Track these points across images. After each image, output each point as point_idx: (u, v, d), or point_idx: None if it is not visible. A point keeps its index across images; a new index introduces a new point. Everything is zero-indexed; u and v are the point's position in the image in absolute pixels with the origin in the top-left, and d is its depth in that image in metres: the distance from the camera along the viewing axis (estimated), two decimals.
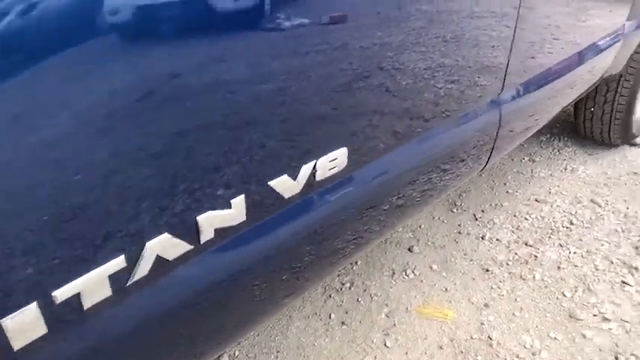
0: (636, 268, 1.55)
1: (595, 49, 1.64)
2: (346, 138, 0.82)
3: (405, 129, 0.96)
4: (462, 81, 1.06)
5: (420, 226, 1.82)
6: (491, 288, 1.51)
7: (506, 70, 1.20)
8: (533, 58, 1.34)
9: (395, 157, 0.95)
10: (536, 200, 1.94)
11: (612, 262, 1.58)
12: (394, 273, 1.59)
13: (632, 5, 1.75)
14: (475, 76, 1.11)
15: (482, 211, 1.89)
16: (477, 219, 1.85)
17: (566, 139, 2.44)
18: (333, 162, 0.81)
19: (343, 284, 1.56)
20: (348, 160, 0.83)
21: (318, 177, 0.79)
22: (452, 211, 1.91)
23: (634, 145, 2.35)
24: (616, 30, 1.75)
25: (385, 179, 0.96)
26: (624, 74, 1.98)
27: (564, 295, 1.47)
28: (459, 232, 1.78)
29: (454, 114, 1.09)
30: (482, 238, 1.74)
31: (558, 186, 2.04)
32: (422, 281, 1.56)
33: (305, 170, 0.76)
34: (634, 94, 2.05)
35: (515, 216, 1.85)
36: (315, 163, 0.77)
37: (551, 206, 1.90)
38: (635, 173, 2.11)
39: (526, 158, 2.28)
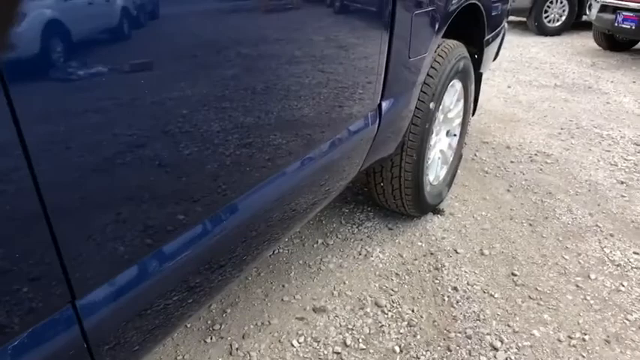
0: None
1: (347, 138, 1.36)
2: None
3: None
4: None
5: None
6: None
7: None
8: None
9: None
10: (313, 309, 1.60)
11: None
12: None
13: (383, 85, 1.49)
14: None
15: (244, 337, 1.50)
16: (232, 353, 1.45)
17: (369, 209, 2.18)
18: None
19: None
20: None
21: None
22: (205, 341, 1.49)
23: (438, 212, 2.17)
24: (366, 114, 1.49)
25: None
26: (405, 149, 1.75)
27: None
28: None
29: None
30: None
31: (345, 282, 1.73)
32: None
33: None
34: (418, 168, 1.82)
35: (280, 341, 1.48)
36: None
37: (329, 317, 1.57)
38: (432, 254, 1.89)
39: (320, 241, 1.97)
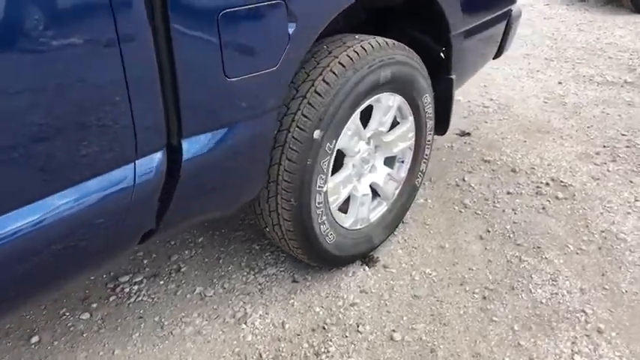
0: None
1: None
2: None
3: None
4: None
5: None
6: None
7: None
8: None
9: None
10: None
11: None
12: None
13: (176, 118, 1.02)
14: None
15: None
16: None
17: (282, 250, 1.74)
18: None
19: None
20: None
21: None
22: None
23: (368, 262, 1.66)
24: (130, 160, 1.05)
25: None
26: (279, 191, 1.28)
27: None
28: None
29: None
30: None
31: (189, 359, 1.34)
32: None
33: None
34: (302, 214, 1.33)
35: None
36: None
37: None
38: (324, 328, 1.42)
39: (198, 290, 1.56)
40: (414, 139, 1.65)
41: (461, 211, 1.93)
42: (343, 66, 1.27)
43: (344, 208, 1.56)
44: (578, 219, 1.86)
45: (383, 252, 1.71)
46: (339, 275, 1.61)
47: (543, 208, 1.93)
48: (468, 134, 2.59)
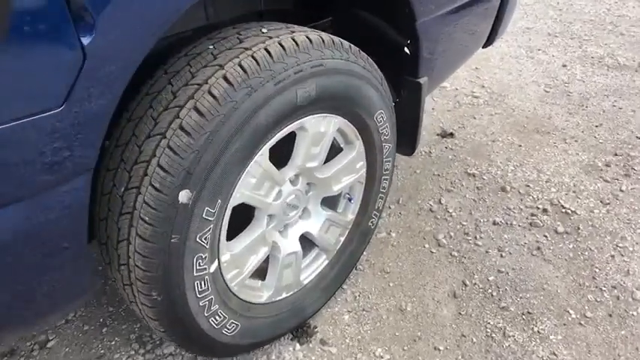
0: None
1: None
2: None
3: None
4: None
5: None
6: None
7: None
8: None
9: None
10: None
11: None
12: None
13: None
14: None
15: None
16: None
17: None
18: None
19: None
20: None
21: None
22: None
23: (300, 336, 1.22)
24: None
25: None
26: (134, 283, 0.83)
27: None
28: None
29: None
30: None
31: None
32: None
33: None
34: (175, 312, 0.89)
35: None
36: None
37: None
38: None
39: None
40: (364, 170, 1.18)
41: (432, 252, 1.49)
42: (229, 83, 0.79)
43: (263, 265, 1.12)
44: (582, 266, 1.43)
45: (323, 316, 1.28)
46: (259, 356, 1.19)
47: (538, 249, 1.50)
48: (451, 135, 2.12)
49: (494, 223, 1.60)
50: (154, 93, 0.82)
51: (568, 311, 1.29)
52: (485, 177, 1.83)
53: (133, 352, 1.20)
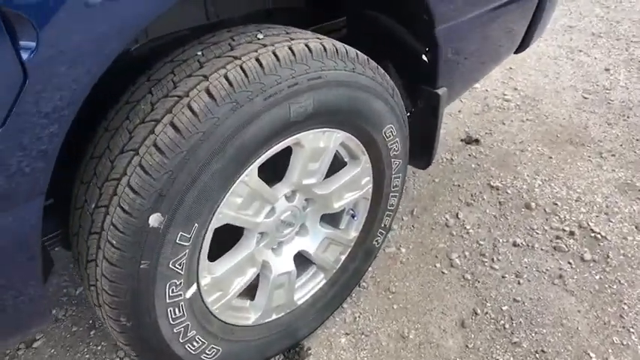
0: None
1: None
2: None
3: None
4: None
5: None
6: None
7: None
8: None
9: None
10: None
11: None
12: None
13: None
14: None
15: None
16: None
17: None
18: None
19: None
20: None
21: None
22: None
23: (296, 358, 1.15)
24: None
25: None
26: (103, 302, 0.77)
27: None
28: None
29: None
30: None
31: None
32: None
33: None
34: (147, 339, 0.82)
35: None
36: None
37: None
38: None
39: None
40: (370, 187, 1.09)
41: (443, 273, 1.39)
42: (212, 97, 0.70)
43: (253, 282, 1.04)
44: (608, 301, 1.30)
45: (319, 337, 1.20)
46: None
47: (560, 277, 1.37)
48: (476, 141, 1.98)
49: (515, 245, 1.48)
50: (134, 102, 0.75)
51: (588, 353, 1.17)
52: (509, 191, 1.70)
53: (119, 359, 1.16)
